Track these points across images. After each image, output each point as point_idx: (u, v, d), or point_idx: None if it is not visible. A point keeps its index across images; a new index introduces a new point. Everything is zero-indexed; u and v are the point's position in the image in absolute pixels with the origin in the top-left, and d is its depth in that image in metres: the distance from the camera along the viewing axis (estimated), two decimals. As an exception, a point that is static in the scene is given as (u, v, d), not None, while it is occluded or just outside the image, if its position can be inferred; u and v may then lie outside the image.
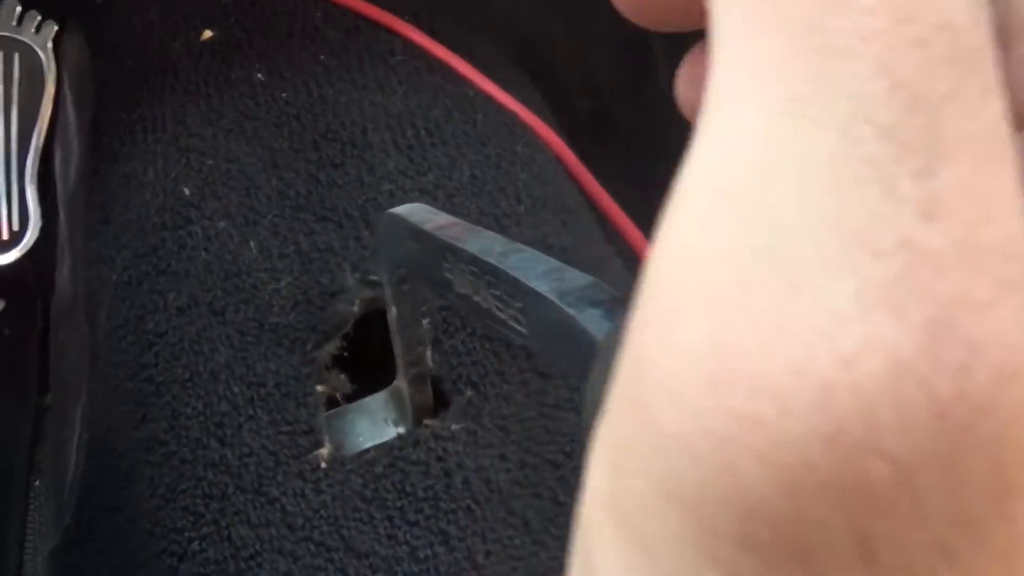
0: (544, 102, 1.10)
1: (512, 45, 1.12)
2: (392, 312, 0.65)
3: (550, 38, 1.20)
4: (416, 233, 0.51)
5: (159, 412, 0.75)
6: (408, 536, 0.66)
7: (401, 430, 0.74)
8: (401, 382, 0.73)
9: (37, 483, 0.99)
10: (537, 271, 0.40)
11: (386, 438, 0.74)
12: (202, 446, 0.72)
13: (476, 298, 0.45)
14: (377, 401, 0.75)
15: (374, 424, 0.75)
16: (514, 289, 0.41)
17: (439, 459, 0.69)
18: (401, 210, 0.53)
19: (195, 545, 0.69)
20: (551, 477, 0.68)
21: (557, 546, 0.66)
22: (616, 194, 1.05)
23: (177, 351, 0.77)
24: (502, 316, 0.43)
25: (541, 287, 0.39)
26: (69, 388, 0.96)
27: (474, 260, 0.44)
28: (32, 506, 0.99)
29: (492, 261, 0.43)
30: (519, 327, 0.42)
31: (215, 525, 0.69)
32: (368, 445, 0.74)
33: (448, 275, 0.48)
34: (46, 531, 0.95)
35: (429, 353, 0.74)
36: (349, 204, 0.81)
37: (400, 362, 0.71)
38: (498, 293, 0.43)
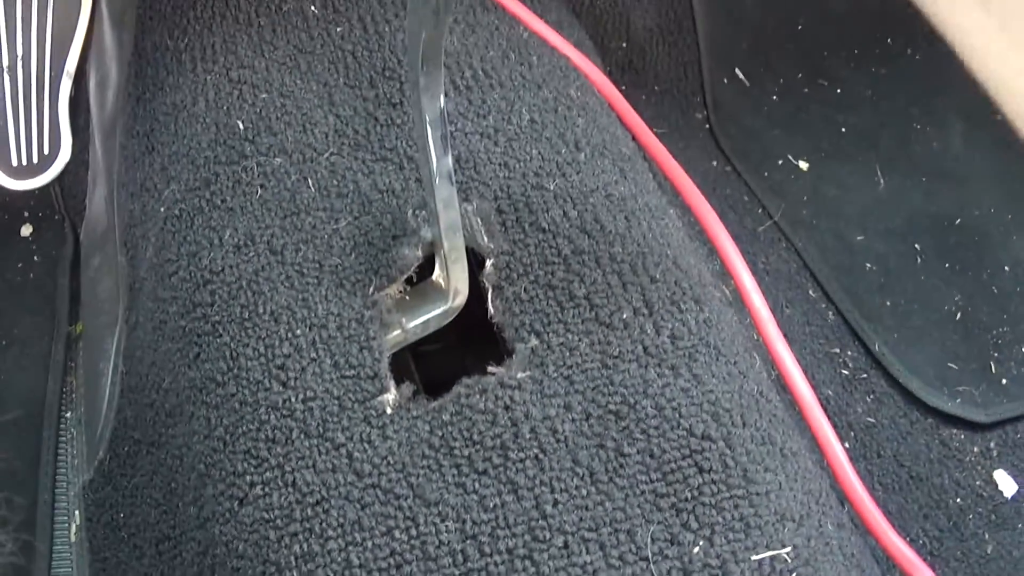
0: (592, 45, 1.12)
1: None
2: (427, 169, 0.69)
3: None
4: None
5: (216, 352, 0.77)
6: (477, 485, 0.68)
7: (443, 307, 0.76)
8: (437, 272, 0.76)
9: (68, 414, 1.01)
10: None
11: (431, 315, 0.76)
12: (263, 388, 0.73)
13: None
14: (417, 291, 0.78)
15: (415, 308, 0.77)
16: None
17: (506, 408, 0.71)
18: None
19: (257, 490, 0.71)
20: (615, 428, 0.70)
21: (621, 496, 0.67)
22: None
23: (234, 290, 0.78)
24: None
25: None
26: (102, 318, 0.98)
27: None
28: (63, 438, 1.01)
29: None
30: None
31: (279, 470, 0.71)
32: (419, 321, 0.76)
33: None
34: (79, 464, 0.97)
35: (491, 297, 0.76)
36: (409, 145, 0.82)
37: (441, 248, 0.74)
38: None
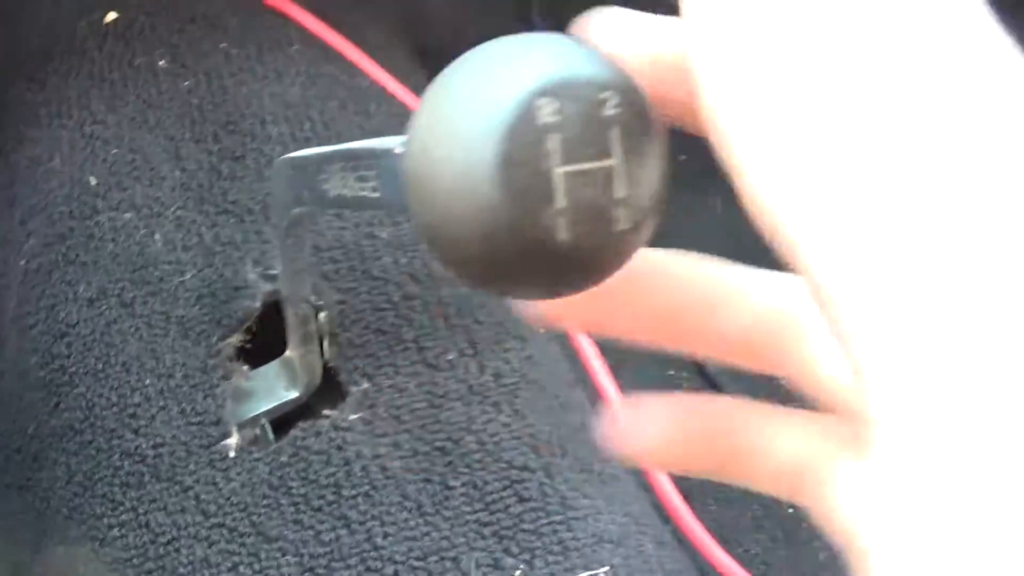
0: None
1: (403, 25, 1.23)
2: (282, 272, 0.78)
3: (437, 12, 1.30)
4: (296, 161, 0.64)
5: (73, 402, 0.86)
6: (313, 520, 0.78)
7: (293, 394, 0.84)
8: (292, 351, 0.84)
9: None
10: (385, 141, 0.51)
11: (279, 401, 0.84)
12: (117, 436, 0.82)
13: (345, 191, 0.56)
14: (271, 369, 0.86)
15: (269, 391, 0.85)
16: (369, 159, 0.52)
17: (339, 448, 0.80)
18: (286, 156, 0.67)
19: (115, 531, 0.80)
20: (441, 463, 0.80)
21: (447, 527, 0.77)
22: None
23: (89, 342, 0.87)
24: (364, 194, 0.54)
25: (387, 144, 0.49)
26: None
27: (339, 154, 0.57)
28: None
29: (351, 146, 0.55)
30: (376, 194, 0.52)
31: (134, 512, 0.80)
32: (264, 408, 0.84)
33: (324, 185, 0.59)
34: None
35: (327, 346, 0.86)
36: (250, 198, 0.91)
37: (290, 329, 0.83)
38: (360, 173, 0.53)
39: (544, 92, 0.39)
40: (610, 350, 1.12)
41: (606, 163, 0.39)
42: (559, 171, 0.39)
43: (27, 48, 1.08)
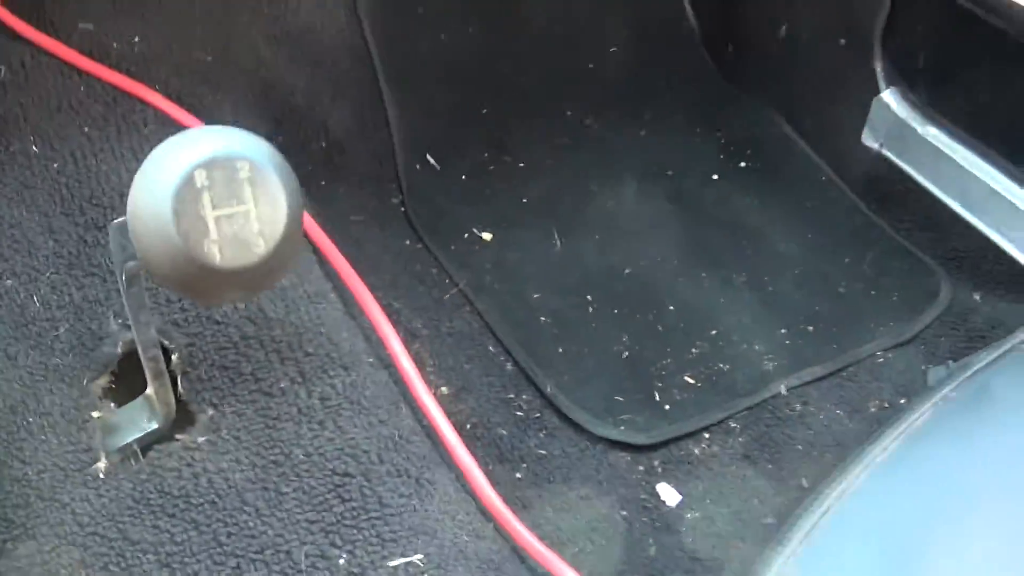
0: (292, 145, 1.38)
1: (256, 98, 1.41)
2: (131, 320, 0.94)
3: (291, 87, 1.49)
4: (122, 225, 0.80)
5: None
6: (168, 525, 0.95)
7: (154, 425, 1.01)
8: (150, 389, 1.00)
9: None
10: None
11: (143, 432, 1.02)
12: (7, 466, 0.99)
13: None
14: (135, 406, 1.03)
15: (133, 423, 1.03)
16: None
17: (188, 465, 0.98)
18: (116, 221, 0.84)
19: (8, 544, 0.97)
20: (275, 473, 0.98)
21: (281, 525, 0.95)
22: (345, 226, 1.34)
23: (-21, 391, 1.05)
24: None
25: None
26: None
27: None
28: None
29: None
30: None
31: (22, 528, 0.97)
32: (129, 439, 1.01)
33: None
34: None
35: (180, 382, 1.04)
36: (110, 261, 1.09)
37: (146, 368, 0.98)
38: None
39: (199, 165, 0.66)
40: (450, 376, 1.30)
41: (243, 208, 0.66)
42: (212, 215, 0.65)
43: None
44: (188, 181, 0.66)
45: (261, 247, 0.67)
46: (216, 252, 0.66)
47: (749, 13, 1.77)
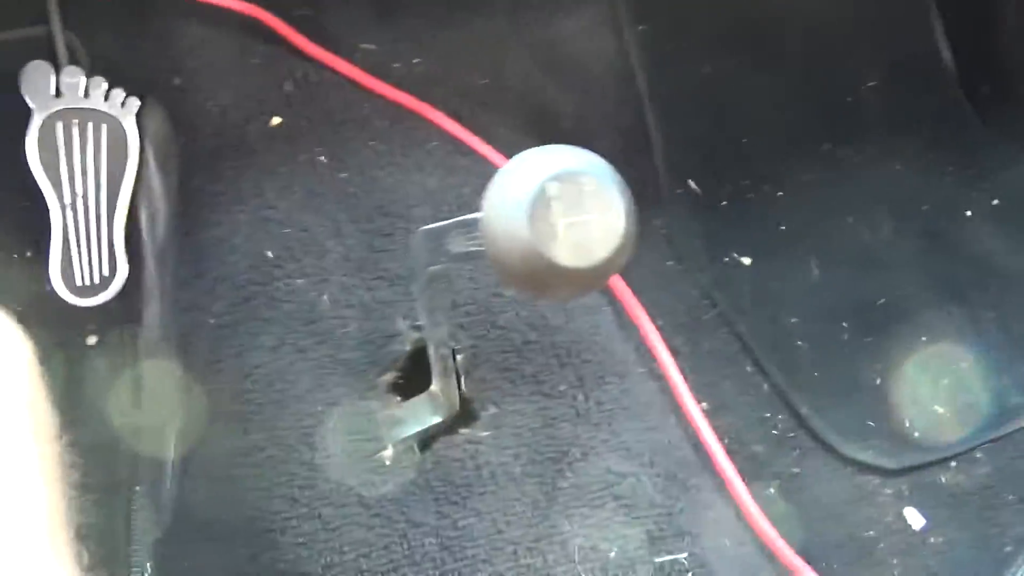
0: None
1: (527, 120, 1.49)
2: (426, 319, 1.04)
3: (560, 112, 1.56)
4: (429, 231, 0.93)
5: (259, 426, 1.10)
6: (451, 511, 1.03)
7: (438, 418, 1.09)
8: (435, 385, 1.08)
9: (137, 488, 1.29)
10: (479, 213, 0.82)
11: (426, 425, 1.10)
12: (295, 450, 1.07)
13: (462, 248, 0.90)
14: (420, 401, 1.11)
15: (418, 417, 1.11)
16: (474, 224, 0.84)
17: (471, 457, 1.05)
18: (421, 228, 0.95)
19: (293, 522, 1.04)
20: (552, 469, 1.05)
21: (556, 517, 1.02)
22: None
23: (271, 379, 1.12)
24: (472, 248, 0.89)
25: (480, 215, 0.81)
26: (162, 412, 1.29)
27: (456, 223, 0.90)
28: (134, 507, 1.28)
29: (463, 218, 0.89)
30: (481, 247, 0.82)
31: (308, 507, 1.04)
32: (414, 431, 1.10)
33: (448, 246, 0.91)
34: (148, 527, 1.26)
35: (464, 381, 1.11)
36: (399, 267, 1.16)
37: (434, 366, 1.07)
38: (470, 234, 0.88)
39: (551, 179, 0.74)
40: (708, 393, 1.35)
41: (586, 217, 0.74)
42: (561, 222, 0.74)
43: (203, 149, 1.34)
44: (542, 192, 0.74)
45: (600, 252, 0.75)
46: (563, 253, 0.74)
47: (1006, 51, 1.81)
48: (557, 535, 1.03)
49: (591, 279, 0.79)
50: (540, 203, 0.75)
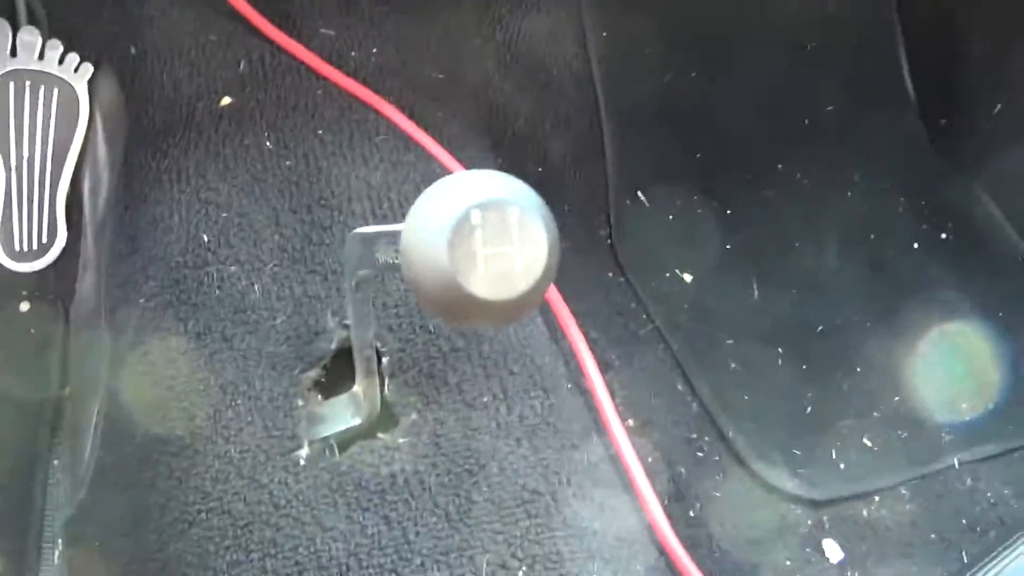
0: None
1: (481, 118, 1.47)
2: (353, 319, 1.01)
3: (515, 111, 1.55)
4: (361, 236, 0.91)
5: (178, 414, 1.09)
6: (361, 517, 1.01)
7: (358, 421, 1.08)
8: (358, 386, 1.07)
9: (55, 462, 1.30)
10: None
11: (346, 426, 1.09)
12: (211, 441, 1.05)
13: (387, 258, 0.89)
14: (341, 401, 1.10)
15: (338, 417, 1.10)
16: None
17: (387, 463, 1.03)
18: (356, 231, 0.92)
19: (203, 515, 1.03)
20: (468, 481, 1.03)
21: (468, 531, 1.00)
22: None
23: (195, 367, 1.10)
24: (395, 261, 0.87)
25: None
26: (87, 384, 1.28)
27: (385, 233, 0.88)
28: (51, 481, 1.29)
29: (392, 228, 0.86)
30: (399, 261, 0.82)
31: (219, 501, 1.03)
32: (333, 431, 1.08)
33: (376, 253, 0.89)
34: (62, 503, 1.26)
35: (387, 384, 1.09)
36: (333, 261, 1.15)
37: (358, 369, 1.06)
38: (396, 246, 0.85)
39: (475, 206, 0.73)
40: (636, 409, 1.36)
41: (509, 248, 0.73)
42: (482, 252, 0.73)
43: (152, 123, 1.33)
44: (463, 219, 0.73)
45: (521, 285, 0.74)
46: (482, 285, 0.73)
47: (965, 87, 1.81)
48: (467, 549, 1.01)
49: (510, 312, 0.77)
50: (462, 231, 0.74)
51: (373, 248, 0.89)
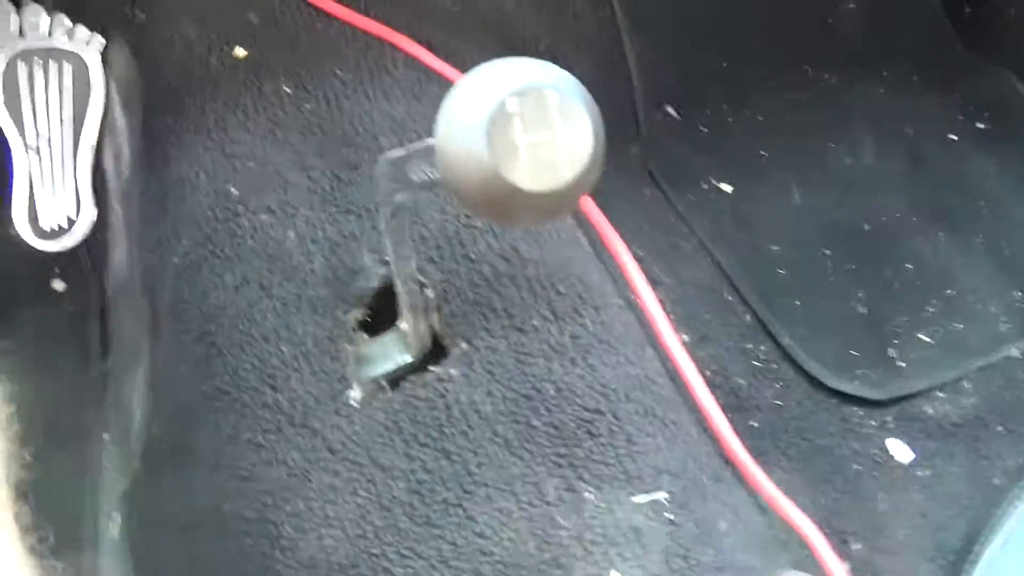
0: None
1: (499, 46, 1.43)
2: (392, 253, 0.97)
3: (535, 37, 1.51)
4: (391, 159, 0.88)
5: (222, 369, 1.06)
6: (420, 453, 0.97)
7: (407, 358, 1.05)
8: (404, 322, 1.04)
9: (105, 436, 1.27)
10: None
11: (396, 364, 1.05)
12: (259, 393, 1.02)
13: (423, 176, 0.85)
14: (388, 338, 1.06)
15: (386, 355, 1.06)
16: (432, 150, 0.78)
17: (441, 396, 1.00)
18: (385, 155, 0.89)
19: (258, 469, 1.00)
20: (525, 407, 0.99)
21: (530, 458, 0.96)
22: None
23: (235, 320, 1.07)
24: (433, 176, 0.83)
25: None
26: (129, 354, 1.26)
27: (413, 152, 0.85)
28: (103, 456, 1.26)
29: (424, 143, 0.82)
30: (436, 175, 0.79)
31: (273, 452, 1.00)
32: (383, 370, 1.05)
33: (410, 174, 0.86)
34: (116, 476, 1.25)
35: (436, 317, 1.05)
36: (366, 199, 1.11)
37: (401, 304, 1.02)
38: (430, 161, 0.80)
39: (512, 94, 0.69)
40: (687, 324, 1.32)
41: (550, 135, 0.69)
42: (523, 141, 0.68)
43: (167, 85, 1.30)
44: (501, 107, 0.69)
45: (567, 173, 0.70)
46: (526, 176, 0.69)
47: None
48: (531, 476, 0.98)
49: (557, 204, 0.73)
50: (499, 121, 0.69)
51: (406, 169, 0.85)
